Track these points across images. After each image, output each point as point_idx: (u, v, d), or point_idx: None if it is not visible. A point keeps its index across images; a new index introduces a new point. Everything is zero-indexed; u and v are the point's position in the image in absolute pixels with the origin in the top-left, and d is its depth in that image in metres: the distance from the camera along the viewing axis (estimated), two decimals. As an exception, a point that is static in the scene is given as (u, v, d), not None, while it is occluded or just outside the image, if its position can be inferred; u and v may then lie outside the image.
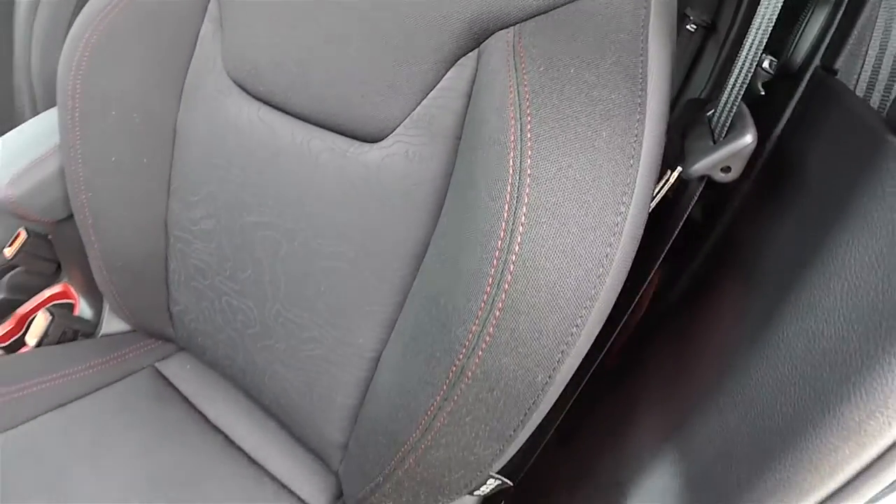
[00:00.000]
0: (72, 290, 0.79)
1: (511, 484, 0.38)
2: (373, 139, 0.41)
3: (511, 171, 0.29)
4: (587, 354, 0.33)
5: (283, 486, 0.55)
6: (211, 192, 0.51)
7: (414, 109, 0.39)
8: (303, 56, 0.44)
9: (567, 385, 0.35)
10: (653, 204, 0.32)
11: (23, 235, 0.75)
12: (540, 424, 0.35)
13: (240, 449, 0.57)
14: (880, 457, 0.23)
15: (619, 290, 0.29)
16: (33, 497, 0.49)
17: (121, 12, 0.52)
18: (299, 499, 0.54)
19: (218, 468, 0.55)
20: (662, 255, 0.35)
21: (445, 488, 0.38)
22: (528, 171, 0.28)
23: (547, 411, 0.32)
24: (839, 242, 0.25)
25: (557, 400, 0.34)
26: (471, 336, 0.30)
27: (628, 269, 0.29)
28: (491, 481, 0.37)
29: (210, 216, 0.52)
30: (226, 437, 0.58)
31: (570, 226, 0.27)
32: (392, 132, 0.40)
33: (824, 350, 0.24)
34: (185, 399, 0.62)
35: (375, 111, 0.40)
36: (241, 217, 0.49)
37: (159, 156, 0.53)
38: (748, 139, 0.31)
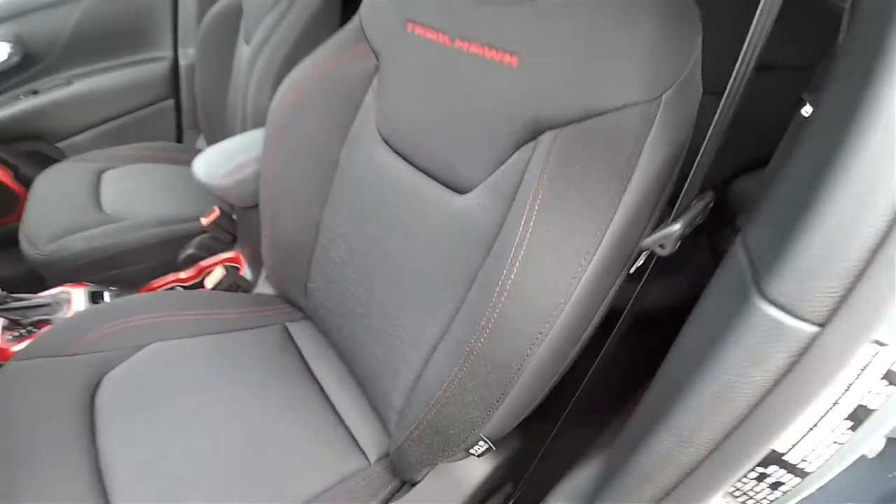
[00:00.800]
0: (241, 257, 1.06)
1: (493, 447, 0.53)
2: (461, 192, 0.59)
3: (521, 227, 0.45)
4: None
5: (351, 436, 0.72)
6: (353, 208, 0.72)
7: (489, 176, 0.56)
8: (426, 129, 0.63)
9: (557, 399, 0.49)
10: (632, 270, 0.46)
11: (217, 212, 1.03)
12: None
13: (328, 399, 0.76)
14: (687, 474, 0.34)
15: (580, 319, 0.43)
16: (180, 385, 0.72)
17: (317, 76, 0.76)
18: (359, 446, 0.71)
19: (309, 408, 0.74)
20: (629, 306, 0.49)
21: (450, 440, 0.54)
22: (531, 228, 0.44)
23: (529, 399, 0.48)
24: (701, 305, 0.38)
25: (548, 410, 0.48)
26: (479, 328, 0.46)
27: (591, 307, 0.43)
28: (481, 443, 0.52)
29: (348, 224, 0.73)
30: (321, 387, 0.78)
31: (547, 269, 0.42)
32: (473, 189, 0.58)
33: (670, 380, 0.37)
34: (300, 353, 0.83)
35: (467, 173, 0.58)
36: (368, 229, 0.70)
37: (324, 177, 0.75)
38: (675, 227, 0.43)
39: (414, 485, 0.66)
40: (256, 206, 0.84)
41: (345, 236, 0.74)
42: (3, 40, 1.41)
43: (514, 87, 0.53)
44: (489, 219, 0.53)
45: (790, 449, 0.32)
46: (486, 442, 0.51)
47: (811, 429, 0.30)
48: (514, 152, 0.54)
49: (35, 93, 1.48)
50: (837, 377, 0.27)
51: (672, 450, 0.34)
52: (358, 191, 0.72)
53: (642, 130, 0.44)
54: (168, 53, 1.62)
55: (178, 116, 1.65)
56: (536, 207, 0.45)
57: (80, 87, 1.52)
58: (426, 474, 0.65)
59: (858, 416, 0.29)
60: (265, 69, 1.03)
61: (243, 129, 1.07)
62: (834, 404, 0.29)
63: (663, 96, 0.45)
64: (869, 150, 0.24)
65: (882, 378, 0.27)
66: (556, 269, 0.43)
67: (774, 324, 0.27)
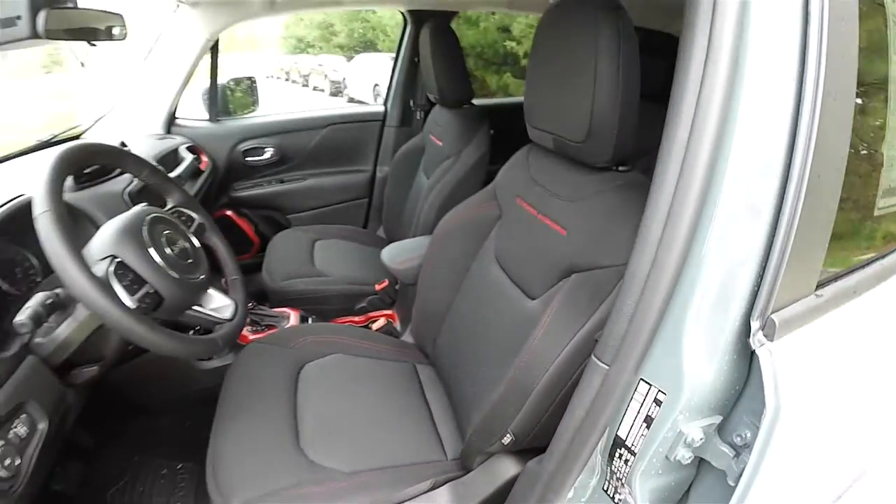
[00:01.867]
0: (396, 315, 1.59)
1: (515, 438, 0.88)
2: (531, 298, 1.01)
3: (544, 318, 0.85)
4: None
5: (439, 439, 1.12)
6: (472, 297, 1.19)
7: (545, 293, 0.97)
8: (518, 259, 1.08)
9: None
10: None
11: (386, 283, 1.59)
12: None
13: (431, 414, 1.18)
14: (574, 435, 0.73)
15: (567, 367, 0.80)
16: (345, 381, 1.20)
17: (465, 216, 1.25)
18: (442, 447, 1.10)
19: (417, 416, 1.16)
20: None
21: (492, 430, 0.91)
22: (548, 321, 0.84)
23: (537, 409, 0.85)
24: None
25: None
26: (518, 366, 0.87)
27: (573, 362, 0.80)
28: (509, 436, 0.88)
29: (468, 306, 1.19)
30: (429, 407, 1.20)
31: (551, 340, 0.82)
32: (538, 298, 0.99)
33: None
34: (420, 383, 1.26)
35: (536, 288, 1.00)
36: (476, 310, 1.16)
37: (459, 276, 1.22)
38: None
39: (469, 472, 1.02)
40: (414, 284, 1.35)
41: (464, 314, 1.20)
42: (269, 146, 2.19)
43: (562, 246, 0.95)
44: (538, 315, 0.94)
45: (626, 438, 0.66)
46: (511, 434, 0.89)
47: (631, 426, 0.65)
48: (557, 282, 0.95)
49: (282, 181, 2.24)
50: (616, 393, 0.63)
51: (567, 422, 0.71)
52: (477, 287, 1.19)
53: (616, 280, 0.82)
54: (369, 168, 2.35)
55: (368, 211, 2.36)
56: (553, 310, 0.87)
57: (310, 182, 2.27)
58: (479, 464, 1.01)
59: (648, 422, 0.63)
60: (435, 198, 1.60)
61: (415, 234, 1.65)
62: (637, 415, 0.64)
63: None
64: (633, 261, 0.63)
65: (653, 402, 0.62)
66: (555, 341, 0.83)
67: (594, 366, 0.66)
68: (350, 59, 12.55)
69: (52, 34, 0.87)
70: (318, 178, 2.28)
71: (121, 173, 1.34)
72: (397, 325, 1.65)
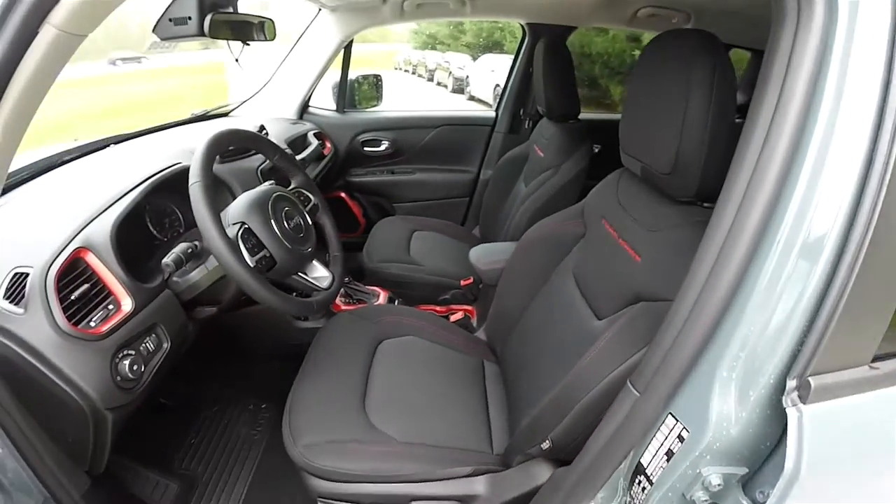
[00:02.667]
0: (475, 311, 1.69)
1: (552, 445, 0.92)
2: (599, 318, 1.05)
3: (600, 342, 0.89)
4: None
5: (490, 433, 1.19)
6: (546, 306, 1.24)
7: (611, 315, 1.00)
8: (592, 278, 1.12)
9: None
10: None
11: (471, 280, 1.68)
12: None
13: (487, 409, 1.25)
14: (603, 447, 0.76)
15: (608, 391, 0.82)
16: (415, 361, 1.31)
17: (553, 229, 1.30)
18: (490, 441, 1.16)
19: (475, 407, 1.24)
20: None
21: (535, 434, 0.96)
22: (601, 344, 0.88)
23: (578, 423, 0.87)
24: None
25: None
26: (569, 379, 0.91)
27: (615, 387, 0.80)
28: (547, 442, 0.92)
29: (540, 314, 1.25)
30: (487, 401, 1.27)
31: (600, 365, 0.85)
32: (604, 319, 1.03)
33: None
34: (483, 378, 1.34)
35: (605, 309, 1.03)
36: (547, 321, 1.21)
37: (538, 284, 1.28)
38: None
39: (508, 468, 1.07)
40: (495, 286, 1.43)
41: (536, 322, 1.26)
42: (386, 139, 2.37)
43: (634, 272, 0.98)
44: (601, 333, 0.98)
45: (647, 466, 0.68)
46: (549, 441, 0.93)
47: (653, 457, 0.67)
48: (624, 307, 0.97)
49: (392, 172, 2.42)
50: (643, 421, 0.65)
51: (595, 438, 0.75)
52: (552, 299, 1.24)
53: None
54: (474, 170, 2.45)
55: (467, 210, 2.48)
56: (612, 333, 0.90)
57: (418, 176, 2.43)
58: (518, 463, 1.06)
59: (669, 455, 0.65)
60: (530, 206, 1.67)
61: (506, 238, 1.73)
62: (660, 446, 0.66)
63: None
64: (679, 297, 0.65)
65: (677, 438, 0.63)
66: (605, 363, 0.85)
67: (627, 390, 0.69)
68: (475, 58, 12.70)
69: (215, 33, 1.05)
70: (425, 173, 2.43)
71: (256, 153, 1.56)
72: (474, 320, 1.74)
